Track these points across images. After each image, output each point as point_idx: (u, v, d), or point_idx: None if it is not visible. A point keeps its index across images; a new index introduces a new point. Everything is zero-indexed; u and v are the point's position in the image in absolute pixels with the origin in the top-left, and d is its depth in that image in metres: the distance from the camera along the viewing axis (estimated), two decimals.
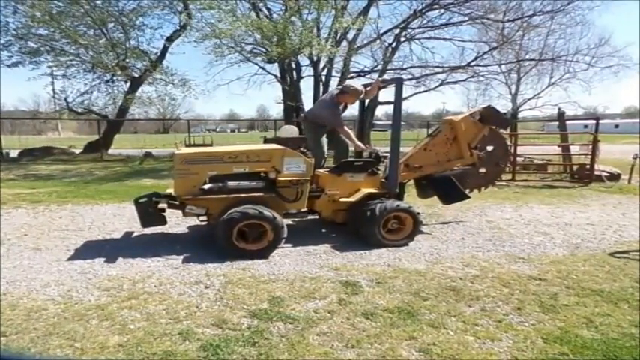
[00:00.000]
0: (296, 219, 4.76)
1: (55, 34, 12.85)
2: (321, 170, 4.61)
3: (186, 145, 12.69)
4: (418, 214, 4.38)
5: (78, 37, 12.78)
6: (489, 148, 5.28)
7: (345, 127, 4.88)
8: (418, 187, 5.22)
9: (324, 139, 5.00)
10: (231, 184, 4.05)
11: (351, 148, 5.10)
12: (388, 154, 4.59)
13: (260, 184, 4.14)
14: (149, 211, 4.17)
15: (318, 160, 4.61)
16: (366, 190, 4.41)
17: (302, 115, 7.13)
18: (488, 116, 5.04)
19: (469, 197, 5.12)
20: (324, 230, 4.89)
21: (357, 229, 4.36)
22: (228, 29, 11.41)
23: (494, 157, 5.33)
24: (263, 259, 3.81)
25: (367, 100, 5.51)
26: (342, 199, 4.40)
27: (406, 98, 18.41)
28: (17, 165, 12.49)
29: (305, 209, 4.42)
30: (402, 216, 4.31)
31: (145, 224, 4.29)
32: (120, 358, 2.26)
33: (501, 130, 5.53)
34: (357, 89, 4.79)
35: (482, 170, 5.26)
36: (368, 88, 4.95)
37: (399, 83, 4.54)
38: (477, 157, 5.04)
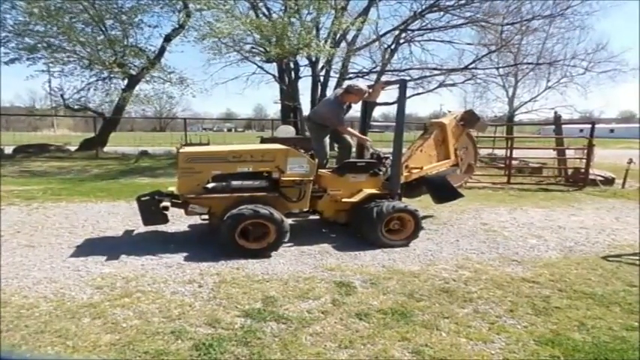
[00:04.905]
0: (296, 219, 4.77)
1: (52, 30, 12.77)
2: (324, 170, 4.62)
3: (183, 144, 12.63)
4: (421, 217, 4.41)
5: (75, 34, 12.70)
6: (464, 149, 5.55)
7: (346, 127, 4.93)
8: (406, 187, 5.26)
9: (327, 140, 5.03)
10: (234, 183, 4.06)
11: (354, 149, 5.14)
12: (389, 155, 4.63)
13: (263, 183, 4.16)
14: (151, 209, 4.17)
15: (320, 161, 4.64)
16: (367, 191, 4.44)
17: (306, 115, 7.18)
18: (469, 119, 5.33)
19: (463, 196, 5.20)
20: (324, 230, 4.90)
21: (359, 227, 4.38)
22: (227, 29, 11.39)
23: (468, 158, 5.61)
24: (259, 259, 3.80)
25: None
26: (344, 200, 4.42)
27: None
28: (11, 161, 12.41)
29: (307, 209, 4.43)
30: (405, 217, 4.34)
31: (146, 222, 4.29)
32: (112, 356, 2.25)
33: (473, 133, 5.87)
34: (361, 89, 4.81)
35: (458, 171, 5.47)
36: (371, 90, 4.98)
37: (402, 85, 4.58)
38: (460, 157, 5.30)
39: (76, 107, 15.88)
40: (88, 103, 15.66)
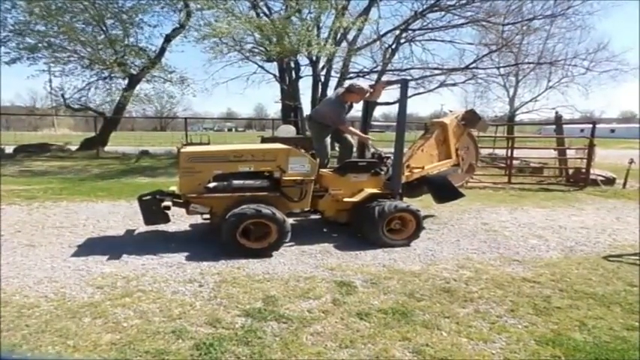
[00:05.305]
0: (297, 218, 4.77)
1: (53, 29, 12.78)
2: (325, 170, 4.62)
3: (184, 144, 12.62)
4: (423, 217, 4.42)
5: (76, 33, 12.71)
6: (466, 149, 5.55)
7: (348, 126, 4.95)
8: (407, 187, 5.27)
9: (328, 139, 5.03)
10: (236, 182, 4.07)
11: (355, 149, 5.15)
12: (390, 155, 4.63)
13: (265, 183, 4.16)
14: (152, 208, 4.18)
15: (321, 160, 4.64)
16: (369, 190, 4.44)
17: (307, 114, 7.21)
18: (470, 119, 5.32)
19: (463, 195, 5.20)
20: (325, 230, 4.90)
21: (360, 227, 4.39)
22: (227, 28, 11.38)
23: (469, 157, 5.60)
24: (260, 259, 3.80)
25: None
26: (345, 199, 4.42)
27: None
28: (12, 161, 12.41)
29: (308, 209, 4.44)
30: (406, 217, 4.34)
31: (147, 221, 4.30)
32: (112, 356, 2.25)
33: (474, 132, 5.87)
34: (362, 88, 4.82)
35: (459, 170, 5.47)
36: (372, 89, 4.99)
37: (404, 84, 4.59)
38: (461, 157, 5.31)
39: (76, 107, 15.90)
40: (89, 102, 15.70)
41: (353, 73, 17.55)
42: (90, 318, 2.64)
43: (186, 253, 3.92)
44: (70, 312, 2.72)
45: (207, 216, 4.27)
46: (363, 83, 5.08)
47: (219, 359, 2.23)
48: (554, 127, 11.02)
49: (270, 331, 2.53)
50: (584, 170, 9.07)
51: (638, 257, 4.15)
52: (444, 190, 5.06)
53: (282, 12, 13.54)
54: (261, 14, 14.10)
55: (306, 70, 16.57)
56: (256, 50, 14.18)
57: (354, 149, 5.18)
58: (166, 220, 4.31)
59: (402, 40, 17.95)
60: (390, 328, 2.59)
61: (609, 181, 9.13)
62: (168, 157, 13.94)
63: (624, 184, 8.91)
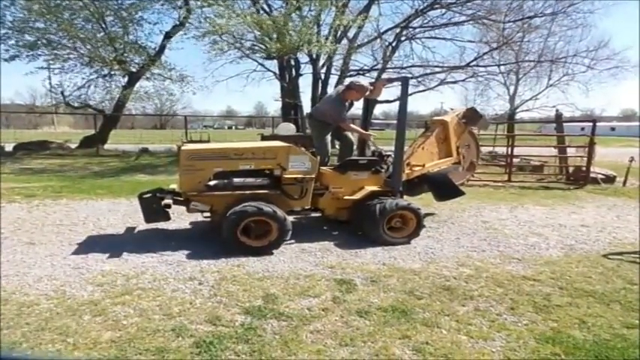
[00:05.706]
0: (297, 216, 4.77)
1: (52, 27, 12.75)
2: (325, 168, 4.62)
3: (184, 142, 12.61)
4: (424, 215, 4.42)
5: (75, 30, 12.68)
6: (466, 147, 5.55)
7: (348, 123, 4.95)
8: (407, 185, 5.27)
9: (329, 137, 5.03)
10: (236, 180, 4.06)
11: (355, 147, 5.16)
12: (390, 153, 4.63)
13: (265, 181, 4.16)
14: (153, 206, 4.18)
15: (322, 158, 4.64)
16: (369, 188, 4.44)
17: (308, 112, 7.22)
18: (471, 117, 5.32)
19: (464, 193, 5.20)
20: (325, 228, 4.90)
21: (361, 225, 4.39)
22: (227, 25, 11.36)
23: (470, 155, 5.59)
24: (260, 256, 3.80)
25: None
26: (345, 197, 4.42)
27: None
28: (12, 159, 12.40)
29: (309, 207, 4.44)
30: (407, 215, 4.34)
31: (148, 219, 4.30)
32: (112, 354, 2.25)
33: (475, 130, 5.87)
34: (362, 86, 4.83)
35: (460, 168, 5.47)
36: (372, 87, 4.99)
37: (404, 82, 4.59)
38: (462, 155, 5.31)
39: (76, 104, 15.88)
40: (89, 100, 15.68)
41: (353, 70, 17.57)
42: (90, 316, 2.64)
43: (186, 251, 3.92)
44: (70, 310, 2.72)
45: (208, 214, 4.28)
46: (364, 81, 5.08)
47: (219, 357, 2.23)
48: (554, 125, 11.00)
49: (270, 329, 2.53)
50: (584, 168, 9.06)
51: (638, 255, 4.15)
52: (444, 188, 5.07)
53: (282, 10, 13.49)
54: (262, 12, 14.07)
55: (307, 68, 16.58)
56: (256, 47, 14.15)
57: (355, 147, 5.18)
58: (167, 218, 4.31)
59: (403, 38, 17.97)
60: (390, 326, 2.59)
61: (609, 179, 9.12)
62: (168, 154, 13.93)
63: (624, 182, 8.90)
